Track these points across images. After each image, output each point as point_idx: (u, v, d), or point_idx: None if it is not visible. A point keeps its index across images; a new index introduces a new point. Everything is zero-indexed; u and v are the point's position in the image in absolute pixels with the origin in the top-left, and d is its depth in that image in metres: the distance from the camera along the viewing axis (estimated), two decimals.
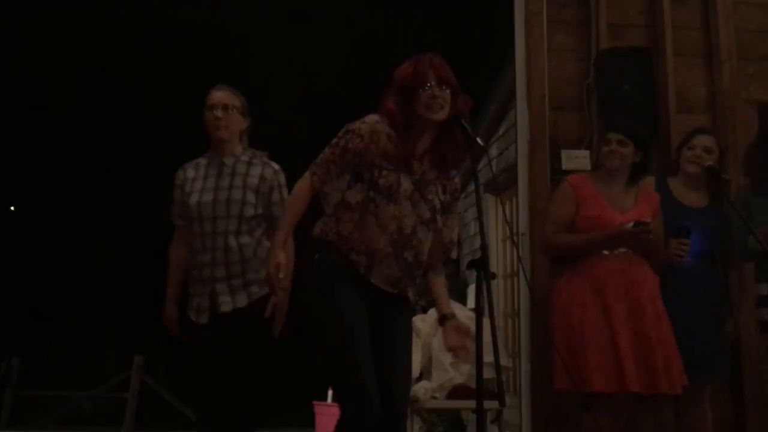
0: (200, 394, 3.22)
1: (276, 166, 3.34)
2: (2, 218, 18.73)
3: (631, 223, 3.17)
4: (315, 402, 7.71)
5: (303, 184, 2.66)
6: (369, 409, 2.41)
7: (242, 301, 3.16)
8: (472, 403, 4.08)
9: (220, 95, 3.32)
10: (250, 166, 3.27)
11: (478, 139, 2.61)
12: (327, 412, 7.26)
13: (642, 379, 3.08)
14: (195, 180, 3.29)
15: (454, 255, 2.88)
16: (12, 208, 19.13)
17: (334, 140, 2.68)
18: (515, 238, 4.27)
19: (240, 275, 3.16)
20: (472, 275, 2.94)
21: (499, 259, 6.61)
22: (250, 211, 3.19)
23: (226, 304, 3.14)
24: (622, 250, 3.24)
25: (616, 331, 3.11)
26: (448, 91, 2.62)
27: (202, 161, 3.35)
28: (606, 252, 3.24)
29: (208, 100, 3.31)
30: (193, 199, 3.23)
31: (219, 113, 3.26)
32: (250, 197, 3.20)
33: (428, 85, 2.60)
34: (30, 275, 16.95)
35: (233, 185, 3.21)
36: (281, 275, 2.60)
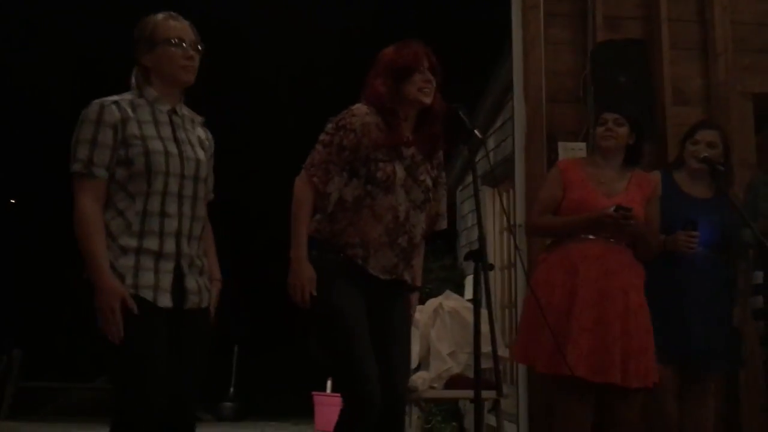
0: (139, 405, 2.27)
1: None
2: (3, 210, 18.75)
3: (613, 207, 3.12)
4: (314, 392, 7.77)
5: (303, 187, 2.60)
6: (371, 399, 2.48)
7: (205, 299, 2.48)
8: (469, 393, 4.13)
9: (186, 28, 2.48)
10: (194, 125, 2.57)
11: (476, 131, 2.62)
12: (326, 402, 7.33)
13: (592, 365, 3.03)
14: (143, 123, 2.40)
15: (444, 225, 2.88)
16: (12, 200, 19.13)
17: (326, 137, 2.63)
18: (512, 229, 4.30)
19: (198, 256, 2.47)
20: (469, 266, 2.97)
21: (496, 250, 6.64)
22: (210, 179, 2.59)
23: (193, 296, 2.42)
24: (606, 235, 3.20)
25: (574, 315, 3.09)
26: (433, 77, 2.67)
27: (138, 100, 2.44)
28: (587, 236, 3.21)
29: (167, 30, 2.44)
30: (156, 145, 2.37)
31: (192, 52, 2.46)
32: (207, 162, 2.55)
33: (423, 68, 2.64)
34: (31, 267, 16.96)
35: (193, 143, 2.49)
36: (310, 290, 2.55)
